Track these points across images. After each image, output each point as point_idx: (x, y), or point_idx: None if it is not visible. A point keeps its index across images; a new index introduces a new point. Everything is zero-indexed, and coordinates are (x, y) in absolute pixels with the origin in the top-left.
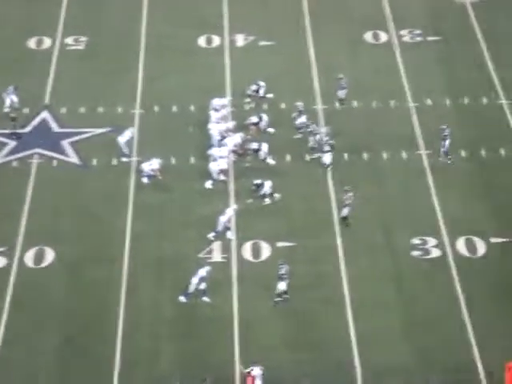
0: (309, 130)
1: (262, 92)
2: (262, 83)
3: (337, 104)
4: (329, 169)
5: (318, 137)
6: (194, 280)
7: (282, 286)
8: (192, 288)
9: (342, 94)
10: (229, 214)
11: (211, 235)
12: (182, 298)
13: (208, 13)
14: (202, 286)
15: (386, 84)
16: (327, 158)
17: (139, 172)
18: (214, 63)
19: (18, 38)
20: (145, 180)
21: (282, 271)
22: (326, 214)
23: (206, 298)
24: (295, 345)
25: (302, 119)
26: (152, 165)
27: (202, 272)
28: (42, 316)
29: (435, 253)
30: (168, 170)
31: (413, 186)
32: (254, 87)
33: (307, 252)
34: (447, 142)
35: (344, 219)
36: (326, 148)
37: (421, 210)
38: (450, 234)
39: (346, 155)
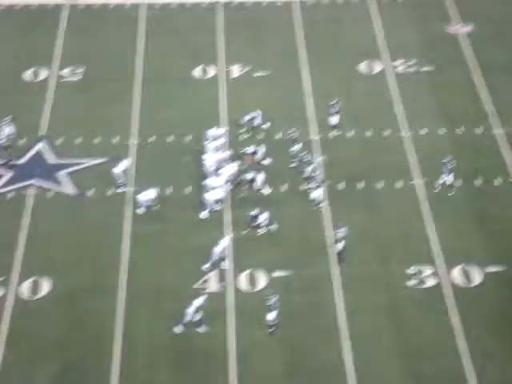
0: (304, 160)
1: (257, 122)
2: (256, 113)
3: (331, 132)
4: (320, 205)
5: (312, 167)
6: (190, 310)
7: (270, 316)
8: (187, 318)
9: (335, 120)
10: (224, 245)
11: (206, 266)
12: (178, 329)
13: (203, 43)
14: (198, 316)
15: (381, 113)
16: (317, 194)
17: (135, 202)
18: (209, 94)
19: (13, 70)
20: (141, 210)
21: (271, 302)
22: (321, 242)
23: (201, 329)
24: (292, 374)
25: (297, 147)
26: (148, 195)
27: (198, 302)
28: (37, 348)
29: (431, 282)
30: (164, 201)
31: (408, 215)
32: (248, 117)
33: (303, 281)
34: (451, 176)
35: (339, 254)
36: (316, 183)
37: (416, 240)
38: (446, 264)
39: (340, 184)
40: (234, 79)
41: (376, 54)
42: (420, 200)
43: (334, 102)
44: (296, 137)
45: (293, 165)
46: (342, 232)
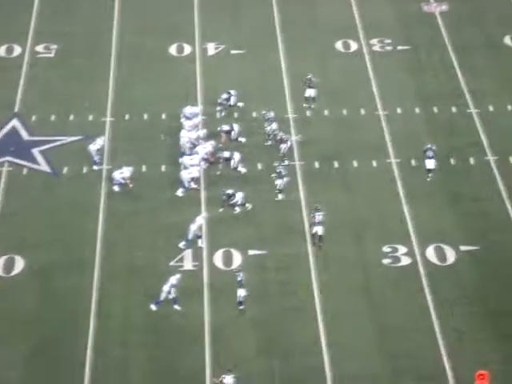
0: (278, 138)
1: (232, 100)
2: (232, 92)
3: (304, 105)
4: (279, 195)
5: (285, 146)
6: (165, 288)
7: (241, 292)
8: (163, 296)
9: (309, 92)
10: (199, 222)
11: (182, 244)
12: (153, 306)
13: (179, 21)
14: (173, 294)
15: (357, 92)
16: (279, 182)
17: (110, 180)
18: (186, 72)
19: None
20: (116, 188)
21: (239, 278)
22: (297, 222)
23: (177, 306)
24: (267, 352)
25: (272, 126)
26: (123, 173)
27: (173, 280)
28: (11, 325)
29: (405, 261)
30: (139, 178)
31: (383, 194)
32: (224, 96)
33: (278, 260)
34: (433, 161)
35: (320, 238)
36: (282, 170)
37: (391, 219)
38: (420, 242)
39: (316, 163)
40: (210, 57)
41: (352, 32)
42: (395, 179)
43: (310, 76)
44: (270, 116)
45: (268, 143)
46: (320, 216)
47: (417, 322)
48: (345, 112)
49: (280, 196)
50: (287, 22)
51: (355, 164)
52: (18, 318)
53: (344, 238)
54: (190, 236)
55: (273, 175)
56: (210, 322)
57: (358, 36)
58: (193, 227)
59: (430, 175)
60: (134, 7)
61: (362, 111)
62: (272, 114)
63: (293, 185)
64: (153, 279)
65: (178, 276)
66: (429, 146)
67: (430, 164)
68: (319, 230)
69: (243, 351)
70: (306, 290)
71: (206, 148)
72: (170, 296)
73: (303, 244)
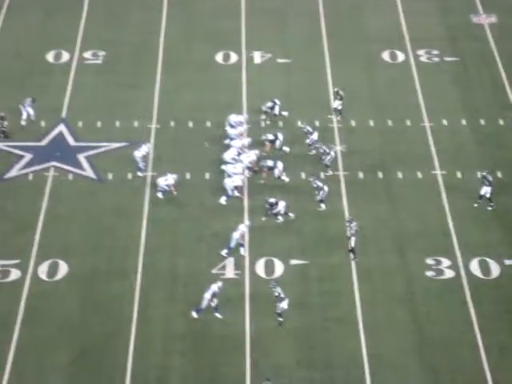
0: (321, 150)
1: (277, 109)
2: (277, 101)
3: (329, 116)
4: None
5: (329, 157)
6: (207, 295)
7: (283, 305)
8: (204, 304)
9: (337, 104)
10: (241, 231)
11: (224, 252)
12: (194, 314)
13: (226, 29)
14: (214, 301)
15: (402, 103)
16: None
17: (154, 187)
18: (231, 79)
19: (36, 52)
20: (160, 195)
21: (276, 293)
22: (339, 232)
23: (217, 314)
24: (307, 363)
25: (313, 137)
26: (167, 180)
27: (215, 287)
28: (53, 330)
29: (449, 273)
30: (183, 185)
31: (427, 206)
32: (269, 104)
33: (320, 270)
34: (490, 189)
35: (351, 251)
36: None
37: (435, 231)
38: (464, 255)
39: (360, 174)
40: (256, 65)
41: (400, 42)
42: (440, 191)
43: (336, 89)
44: (307, 130)
45: (312, 152)
46: (354, 227)
47: (459, 336)
48: (390, 123)
49: (322, 206)
50: (334, 32)
51: (400, 175)
52: (60, 322)
53: (387, 249)
54: (233, 244)
55: (313, 181)
56: (251, 330)
57: (405, 47)
58: (235, 235)
59: (480, 201)
60: (182, 15)
61: (408, 122)
62: (309, 128)
63: (336, 195)
64: (194, 286)
65: (219, 284)
66: (485, 173)
67: (485, 191)
68: (352, 241)
69: (283, 361)
70: (347, 300)
71: (249, 157)
72: (212, 304)
73: (345, 254)
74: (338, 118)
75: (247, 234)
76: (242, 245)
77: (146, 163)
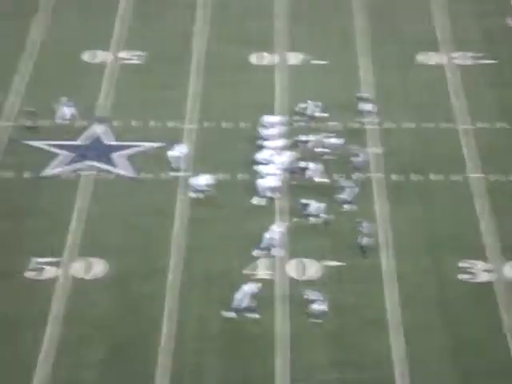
0: (351, 151)
1: (311, 111)
2: (311, 102)
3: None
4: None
5: (359, 159)
6: (240, 296)
7: (316, 306)
8: (238, 304)
9: (363, 107)
10: (275, 231)
11: (256, 252)
12: (229, 314)
13: (261, 29)
14: (248, 301)
15: (437, 105)
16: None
17: (189, 187)
18: (265, 80)
19: (73, 51)
20: (194, 195)
21: (307, 296)
22: (373, 233)
23: (251, 315)
24: (340, 364)
25: (340, 141)
26: (202, 180)
27: (248, 288)
28: (89, 327)
29: (483, 277)
30: (216, 186)
31: (462, 208)
32: (303, 105)
33: (354, 272)
34: None
35: (362, 248)
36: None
37: (469, 233)
38: (499, 259)
39: (394, 176)
40: (291, 66)
41: (435, 44)
42: (474, 194)
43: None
44: (338, 131)
45: (342, 155)
46: (365, 228)
47: (494, 340)
48: (425, 125)
49: (346, 207)
50: (369, 33)
51: (434, 177)
52: (95, 321)
53: (420, 252)
54: (264, 244)
55: (339, 181)
56: (284, 331)
57: (440, 49)
58: (267, 235)
59: None
60: (218, 15)
61: (443, 124)
62: (340, 130)
63: (369, 197)
64: (228, 287)
65: (252, 285)
66: None
67: None
68: (365, 241)
69: (316, 362)
70: (381, 302)
71: (285, 157)
72: (245, 304)
73: (379, 256)
74: (369, 121)
75: (280, 234)
76: (275, 245)
77: (180, 163)
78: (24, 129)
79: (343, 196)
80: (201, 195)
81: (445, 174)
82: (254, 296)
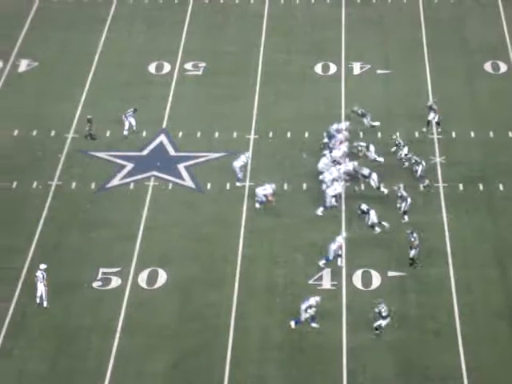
0: (412, 161)
1: (368, 120)
2: (364, 111)
3: (423, 129)
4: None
5: (421, 167)
6: (304, 306)
7: (381, 322)
8: (302, 314)
9: (431, 116)
10: (339, 242)
11: (322, 262)
12: (293, 324)
13: (326, 40)
14: (312, 311)
15: (504, 115)
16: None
17: (253, 197)
18: (330, 90)
19: (139, 63)
20: (258, 205)
21: (378, 310)
22: (439, 243)
23: (314, 324)
24: (405, 376)
25: (403, 151)
26: (266, 190)
27: (312, 300)
28: (153, 337)
29: None
30: (281, 196)
31: None
32: (359, 110)
33: (418, 282)
34: None
35: (412, 261)
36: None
37: None
38: None
39: (461, 185)
40: (355, 76)
41: (503, 53)
42: None
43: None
44: (399, 142)
45: (405, 165)
46: (415, 239)
47: None
48: (491, 134)
49: (406, 218)
50: (435, 42)
51: (501, 187)
52: (159, 330)
53: (487, 262)
54: (330, 255)
55: (397, 191)
56: (348, 342)
57: (508, 57)
58: (333, 246)
59: None
60: (281, 26)
61: (510, 134)
62: (400, 141)
63: (436, 206)
64: (291, 297)
65: (317, 298)
66: None
67: None
68: (412, 252)
69: (380, 373)
70: (445, 313)
71: (347, 166)
72: (309, 315)
73: (444, 266)
74: (434, 130)
75: (344, 244)
76: (340, 255)
77: (244, 173)
78: (83, 137)
79: (401, 206)
80: (265, 205)
81: (511, 183)
82: (317, 306)
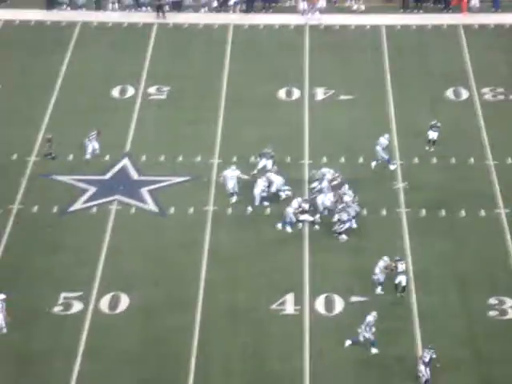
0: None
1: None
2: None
3: (426, 148)
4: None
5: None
6: (363, 326)
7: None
8: (363, 334)
9: (432, 135)
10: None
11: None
12: (348, 343)
13: (289, 65)
14: (372, 333)
15: (466, 141)
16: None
17: (216, 221)
18: (293, 116)
19: (102, 87)
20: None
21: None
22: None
23: (375, 350)
24: None
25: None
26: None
27: (370, 317)
28: (114, 363)
29: None
30: (244, 219)
31: (490, 244)
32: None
33: (381, 308)
34: None
35: (403, 289)
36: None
37: (498, 270)
38: None
39: (423, 211)
40: (318, 101)
41: (464, 80)
42: (503, 230)
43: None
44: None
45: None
46: (403, 265)
47: None
48: (454, 160)
49: (342, 237)
50: (397, 69)
51: (463, 213)
52: (121, 355)
53: (449, 288)
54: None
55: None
56: (310, 367)
57: (469, 84)
58: (290, 210)
59: None
60: (244, 51)
61: (472, 160)
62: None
63: (398, 232)
64: (253, 322)
65: (374, 313)
66: None
67: None
68: (403, 280)
69: None
70: (407, 339)
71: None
72: (368, 335)
73: (406, 292)
74: (432, 150)
75: (306, 270)
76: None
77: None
78: (43, 157)
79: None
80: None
81: (474, 209)
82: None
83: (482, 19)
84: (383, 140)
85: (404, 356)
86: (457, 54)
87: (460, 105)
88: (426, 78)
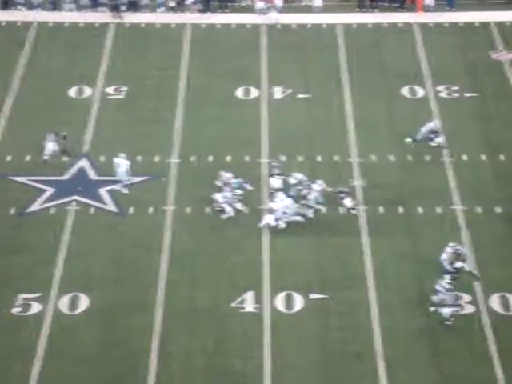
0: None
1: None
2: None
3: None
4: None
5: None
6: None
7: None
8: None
9: (438, 141)
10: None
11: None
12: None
13: (246, 64)
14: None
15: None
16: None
17: (176, 220)
18: (251, 115)
19: (59, 87)
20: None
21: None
22: (359, 266)
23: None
24: None
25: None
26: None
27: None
28: (74, 364)
29: (469, 309)
30: (202, 219)
31: (447, 240)
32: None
33: (340, 305)
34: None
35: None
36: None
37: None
38: (484, 291)
39: (380, 208)
40: (276, 100)
41: (419, 78)
42: (459, 226)
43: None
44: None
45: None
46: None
47: (480, 372)
48: (410, 157)
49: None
50: (354, 66)
51: (420, 210)
52: (81, 356)
53: (407, 285)
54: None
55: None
56: (272, 365)
57: (424, 82)
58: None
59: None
60: (202, 51)
61: (428, 157)
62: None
63: (356, 229)
64: (214, 321)
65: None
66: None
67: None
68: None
69: None
70: (366, 335)
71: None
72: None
73: (365, 289)
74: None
75: (266, 268)
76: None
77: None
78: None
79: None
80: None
81: (430, 206)
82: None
83: (437, 18)
84: (431, 125)
85: (364, 353)
86: (412, 52)
87: (415, 102)
88: (383, 76)
